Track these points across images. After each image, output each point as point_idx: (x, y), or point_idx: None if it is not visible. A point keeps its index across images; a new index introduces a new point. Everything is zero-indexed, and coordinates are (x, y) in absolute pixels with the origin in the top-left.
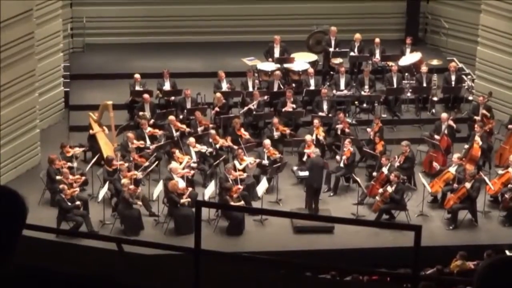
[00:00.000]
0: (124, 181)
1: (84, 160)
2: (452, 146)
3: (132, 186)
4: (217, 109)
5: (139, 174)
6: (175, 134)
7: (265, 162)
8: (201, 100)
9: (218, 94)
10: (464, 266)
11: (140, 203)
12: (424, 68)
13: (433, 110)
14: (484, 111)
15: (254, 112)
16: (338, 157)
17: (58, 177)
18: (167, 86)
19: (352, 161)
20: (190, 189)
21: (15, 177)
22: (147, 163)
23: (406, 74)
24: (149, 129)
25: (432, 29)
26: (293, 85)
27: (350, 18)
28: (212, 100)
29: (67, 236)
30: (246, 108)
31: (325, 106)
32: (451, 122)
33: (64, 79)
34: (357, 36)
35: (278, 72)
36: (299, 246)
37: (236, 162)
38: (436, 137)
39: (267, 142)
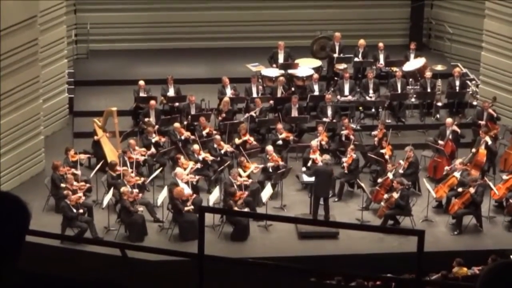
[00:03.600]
0: (123, 189)
1: (89, 166)
2: (456, 151)
3: (133, 192)
4: (224, 114)
5: (143, 180)
6: (179, 139)
7: (269, 164)
8: (205, 106)
9: (226, 99)
10: (462, 272)
11: (141, 209)
12: (428, 74)
13: (438, 116)
14: (491, 111)
15: (257, 119)
16: (344, 159)
17: (62, 185)
18: (171, 92)
19: (355, 167)
20: (195, 195)
21: (19, 184)
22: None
23: (410, 79)
24: (155, 138)
25: (436, 34)
26: (292, 89)
27: (354, 24)
28: (216, 106)
29: (72, 242)
30: (247, 115)
31: (329, 112)
32: (455, 127)
33: (68, 86)
34: (361, 42)
35: (282, 78)
36: (304, 252)
37: (240, 170)
38: (441, 142)
39: (270, 148)
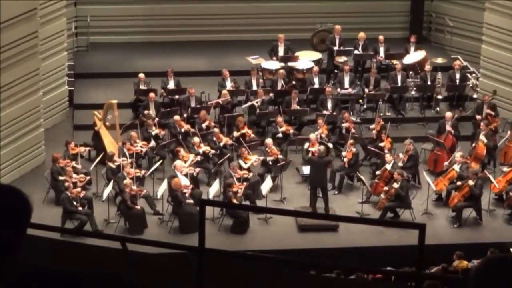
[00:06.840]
0: (126, 181)
1: (89, 158)
2: (456, 144)
3: (134, 187)
4: (219, 101)
5: (142, 172)
6: (179, 132)
7: (269, 158)
8: (205, 99)
9: (225, 91)
10: (462, 265)
11: (138, 207)
12: (428, 67)
13: (438, 108)
14: (489, 110)
15: (258, 111)
16: (343, 153)
17: (61, 178)
18: (171, 85)
19: (355, 161)
20: (192, 186)
21: (19, 176)
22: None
23: (411, 72)
24: (155, 131)
25: (436, 27)
26: (293, 82)
27: (355, 17)
28: (216, 99)
29: (72, 235)
30: (249, 103)
31: (329, 105)
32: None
33: (68, 78)
34: (361, 35)
35: (282, 71)
36: (304, 245)
37: (241, 162)
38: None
39: (269, 141)
